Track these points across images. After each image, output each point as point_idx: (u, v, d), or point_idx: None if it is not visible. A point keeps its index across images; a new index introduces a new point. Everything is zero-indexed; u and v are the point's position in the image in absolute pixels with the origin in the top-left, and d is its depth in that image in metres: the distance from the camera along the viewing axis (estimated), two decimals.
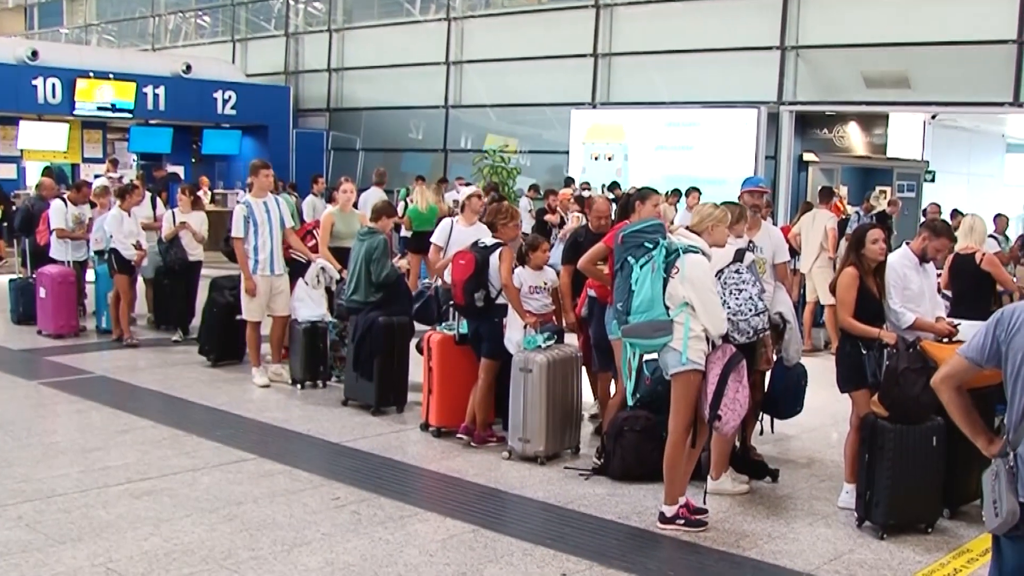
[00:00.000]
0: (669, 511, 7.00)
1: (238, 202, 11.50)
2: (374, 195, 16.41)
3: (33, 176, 23.04)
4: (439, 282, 10.57)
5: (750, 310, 7.13)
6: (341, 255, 11.07)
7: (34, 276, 14.88)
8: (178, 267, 13.32)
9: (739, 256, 7.45)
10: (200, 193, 20.01)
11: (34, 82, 24.35)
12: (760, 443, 8.54)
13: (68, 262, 13.88)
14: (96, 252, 13.73)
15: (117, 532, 6.64)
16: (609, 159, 23.09)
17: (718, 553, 6.66)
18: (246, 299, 10.99)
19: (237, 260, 11.00)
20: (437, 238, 10.61)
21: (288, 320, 11.15)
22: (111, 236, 12.97)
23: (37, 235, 14.47)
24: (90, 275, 14.42)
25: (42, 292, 13.80)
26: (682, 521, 6.95)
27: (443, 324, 9.47)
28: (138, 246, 13.06)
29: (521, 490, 7.82)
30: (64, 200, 14.13)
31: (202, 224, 13.50)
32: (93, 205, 14.36)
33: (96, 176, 23.35)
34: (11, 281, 15.15)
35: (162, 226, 13.51)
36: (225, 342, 12.00)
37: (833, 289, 7.43)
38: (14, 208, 16.82)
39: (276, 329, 11.32)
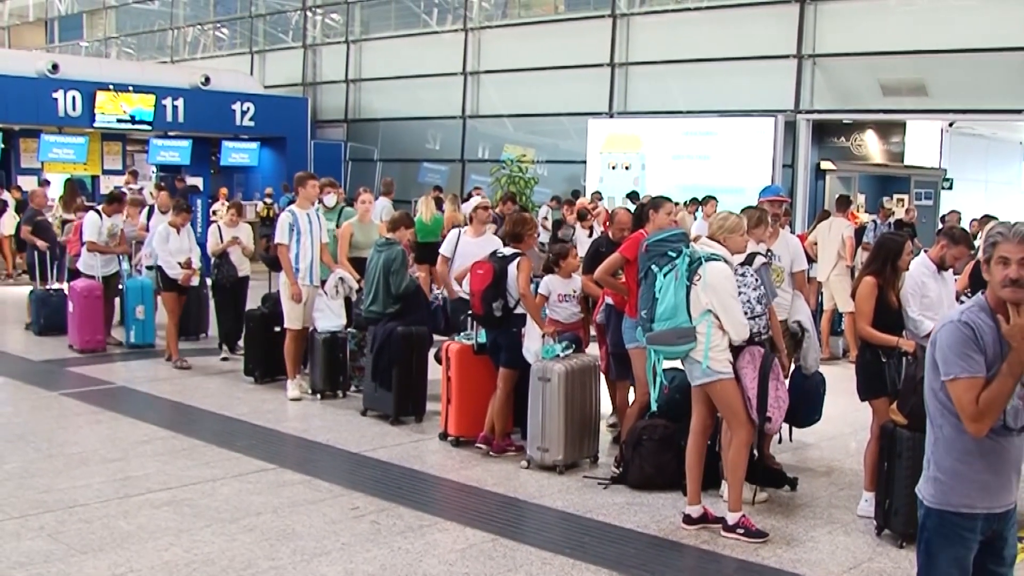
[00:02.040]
0: (732, 518, 7.00)
1: (283, 210, 11.53)
2: (381, 206, 16.46)
3: (55, 188, 23.15)
4: (446, 292, 10.66)
5: (746, 313, 7.11)
6: (359, 265, 11.08)
7: (52, 287, 15.01)
8: (228, 284, 12.91)
9: (748, 260, 7.45)
10: (217, 205, 20.13)
11: (55, 95, 24.49)
12: (779, 452, 8.52)
13: (97, 276, 13.56)
14: (147, 267, 13.38)
15: (138, 542, 6.66)
16: (626, 168, 23.07)
17: (737, 561, 6.63)
18: (288, 307, 10.96)
19: (281, 267, 11.02)
20: (444, 249, 10.72)
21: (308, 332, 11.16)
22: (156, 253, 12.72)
23: (68, 246, 14.43)
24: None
25: (70, 307, 13.65)
26: (742, 531, 6.95)
27: (461, 334, 9.48)
28: (188, 264, 12.59)
29: (540, 499, 7.81)
30: (98, 212, 13.84)
31: (249, 237, 13.22)
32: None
33: (116, 188, 23.51)
34: (31, 293, 15.22)
35: (207, 241, 13.17)
36: (268, 357, 11.67)
37: (853, 297, 7.41)
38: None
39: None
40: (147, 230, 14.02)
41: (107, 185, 25.22)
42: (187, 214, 13.08)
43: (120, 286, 14.03)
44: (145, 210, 14.85)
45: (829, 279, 14.08)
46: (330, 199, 12.36)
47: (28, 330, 14.96)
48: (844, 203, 14.94)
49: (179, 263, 12.56)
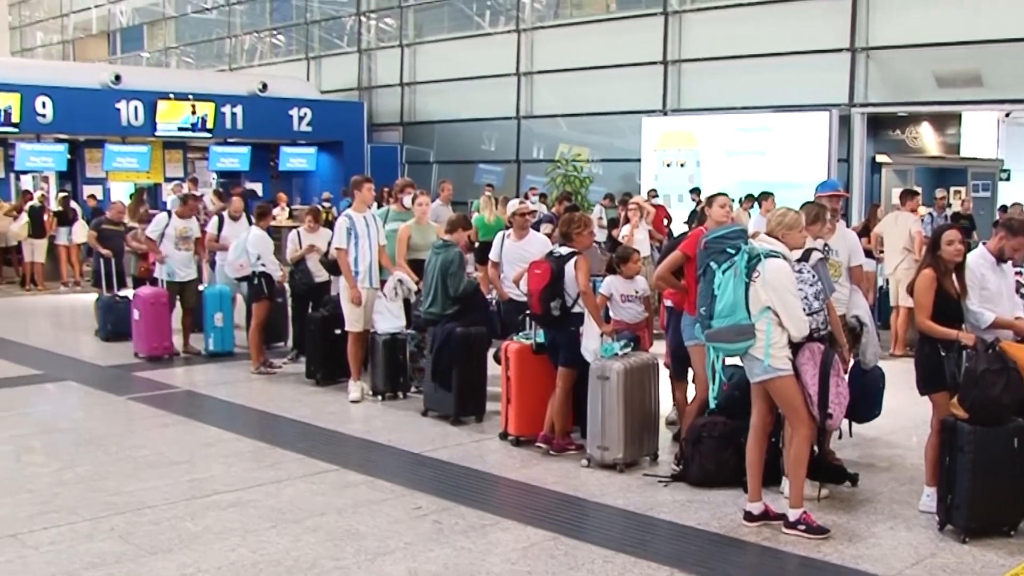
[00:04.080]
0: (793, 515, 6.95)
1: (341, 215, 11.56)
2: (436, 209, 16.49)
3: (118, 197, 23.43)
4: (497, 294, 10.69)
5: (803, 309, 7.04)
6: (417, 267, 11.11)
7: (119, 295, 15.16)
8: (303, 290, 12.77)
9: (805, 256, 7.38)
10: (276, 210, 20.26)
11: (117, 105, 24.80)
12: (839, 447, 8.43)
13: (162, 281, 13.52)
14: (239, 279, 12.82)
15: (205, 543, 6.72)
16: (681, 166, 22.95)
17: (799, 558, 6.58)
18: (349, 309, 10.99)
19: (341, 271, 11.07)
20: (493, 254, 10.79)
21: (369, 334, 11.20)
22: (258, 258, 12.36)
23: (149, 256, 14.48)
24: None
25: (136, 314, 13.56)
26: (804, 527, 6.90)
27: (520, 333, 9.48)
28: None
29: (601, 497, 7.79)
30: (169, 213, 13.85)
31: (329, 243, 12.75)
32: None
33: (183, 192, 23.78)
34: (97, 299, 15.40)
35: (287, 247, 13.04)
36: (329, 360, 11.70)
37: (911, 291, 7.33)
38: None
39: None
40: (217, 240, 13.88)
41: (168, 192, 25.50)
42: (268, 218, 13.06)
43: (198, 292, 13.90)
44: (215, 219, 14.60)
45: (896, 273, 13.86)
46: (408, 199, 12.34)
47: (98, 336, 15.14)
48: (909, 196, 14.60)
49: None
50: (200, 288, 14.00)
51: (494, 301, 11.01)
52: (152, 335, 13.37)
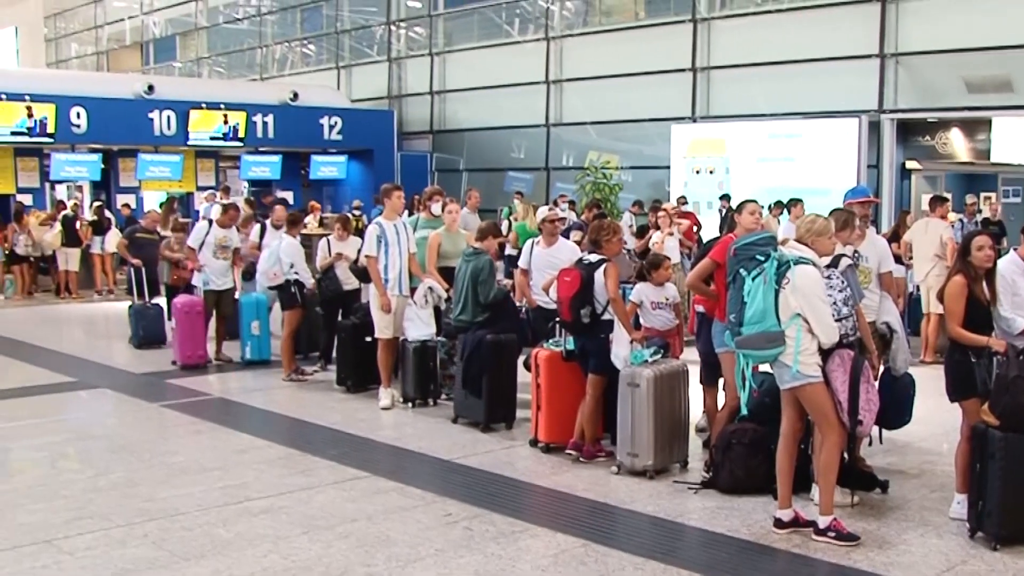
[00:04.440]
0: (824, 522, 6.92)
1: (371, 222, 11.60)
2: (464, 217, 16.49)
3: (151, 206, 23.60)
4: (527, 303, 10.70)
5: (832, 315, 7.00)
6: (447, 274, 11.13)
7: (151, 302, 15.26)
8: (331, 297, 12.71)
9: (834, 262, 7.36)
10: (309, 218, 20.32)
11: (150, 115, 24.93)
12: (869, 454, 8.39)
13: (198, 288, 13.58)
14: (272, 287, 12.92)
15: (237, 549, 6.76)
16: (711, 173, 22.90)
17: (829, 565, 6.55)
18: (379, 317, 11.03)
19: (371, 279, 11.11)
20: (522, 261, 10.80)
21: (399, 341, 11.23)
22: (291, 265, 12.46)
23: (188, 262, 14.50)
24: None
25: (173, 322, 13.65)
26: (834, 534, 6.87)
27: (550, 340, 9.49)
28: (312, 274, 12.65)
29: (631, 504, 7.79)
30: (210, 221, 13.89)
31: (358, 251, 12.56)
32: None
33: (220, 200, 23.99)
34: (130, 307, 15.49)
35: (316, 255, 13.07)
36: (359, 367, 11.77)
37: (941, 298, 7.29)
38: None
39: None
40: (260, 248, 13.87)
41: (200, 201, 25.64)
42: (300, 225, 13.09)
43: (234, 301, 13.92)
44: (257, 227, 14.71)
45: (927, 280, 13.76)
46: (437, 207, 12.36)
47: (130, 343, 15.24)
48: (939, 203, 14.46)
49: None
50: (236, 297, 14.02)
51: (524, 308, 11.02)
52: (187, 343, 13.40)
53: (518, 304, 11.22)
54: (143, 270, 15.57)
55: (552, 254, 10.42)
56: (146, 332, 15.02)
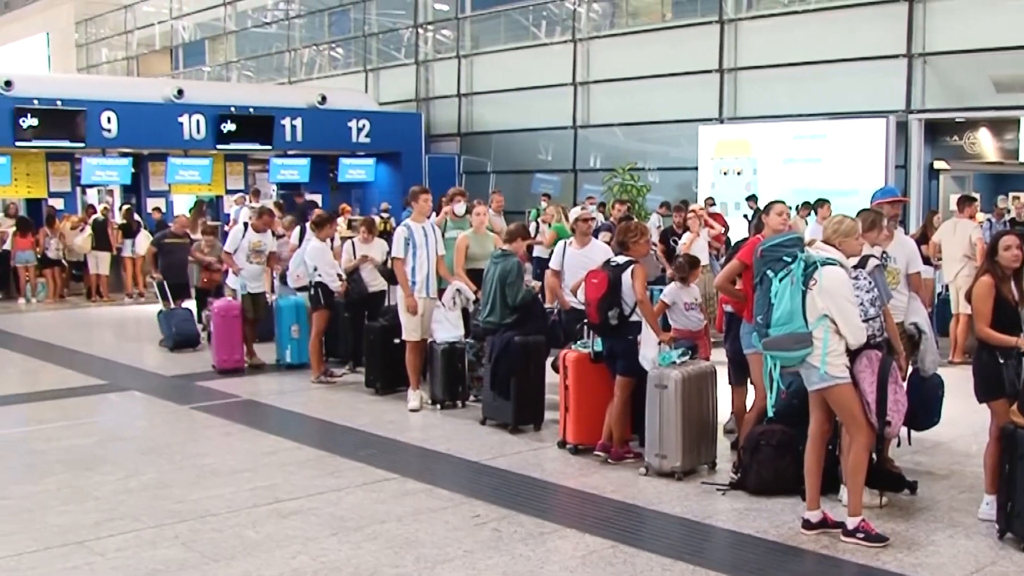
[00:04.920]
0: (852, 523, 6.89)
1: (399, 224, 11.62)
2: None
3: (180, 210, 23.73)
4: (559, 305, 10.68)
5: (859, 316, 6.98)
6: (475, 276, 11.15)
7: (183, 307, 15.31)
8: (357, 299, 12.70)
9: (862, 262, 7.33)
10: (340, 220, 20.36)
11: (180, 119, 25.03)
12: (898, 455, 8.35)
13: (235, 292, 13.52)
14: (297, 289, 13.26)
15: (266, 551, 6.79)
16: (738, 174, 22.83)
17: (857, 566, 6.53)
18: (406, 319, 11.06)
19: (397, 280, 11.13)
20: (553, 262, 10.78)
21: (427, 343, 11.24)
22: (315, 268, 12.54)
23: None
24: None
25: (212, 326, 13.57)
26: (862, 535, 6.84)
27: (578, 342, 9.48)
28: (339, 277, 12.62)
29: (659, 506, 7.78)
30: (245, 225, 13.90)
31: (384, 254, 12.76)
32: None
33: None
34: (159, 312, 15.52)
35: (342, 257, 13.04)
36: (388, 369, 11.82)
37: (969, 298, 7.25)
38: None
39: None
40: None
41: (230, 205, 25.73)
42: (332, 226, 13.10)
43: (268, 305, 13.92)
44: (297, 230, 14.76)
45: (957, 281, 13.66)
46: (460, 208, 12.35)
47: (162, 347, 15.30)
48: (967, 203, 14.36)
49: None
50: (270, 301, 14.04)
51: (556, 310, 11.01)
52: (225, 347, 13.36)
53: (549, 306, 11.22)
54: (165, 282, 15.61)
55: (586, 255, 10.40)
56: (179, 331, 15.02)
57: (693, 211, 15.74)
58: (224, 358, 13.35)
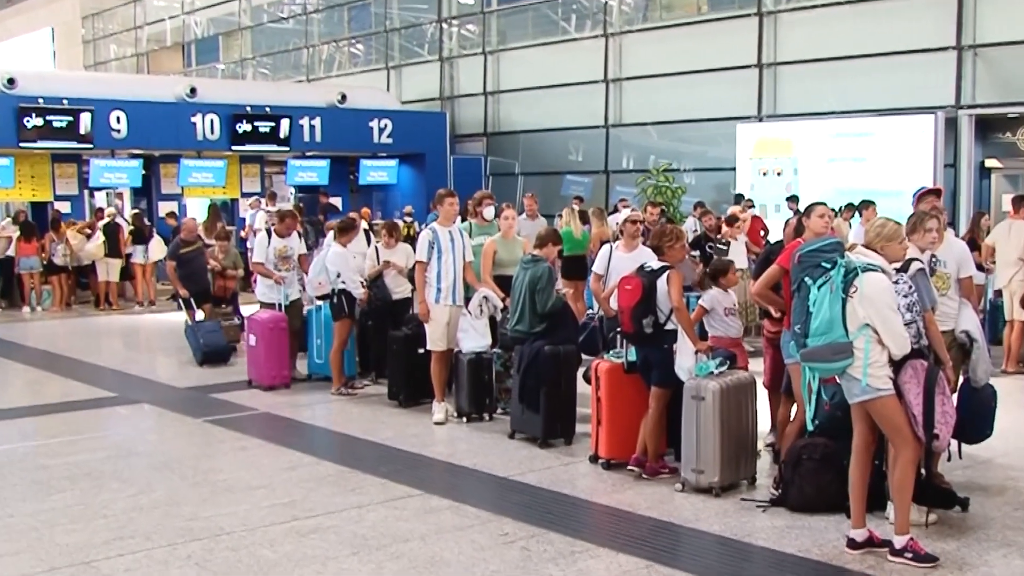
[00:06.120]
0: (899, 542, 6.86)
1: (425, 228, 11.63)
2: (521, 223, 16.47)
3: (193, 213, 23.79)
4: (602, 311, 10.65)
5: (902, 324, 6.95)
6: (503, 283, 11.15)
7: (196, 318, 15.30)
8: (380, 307, 12.61)
9: (904, 266, 7.29)
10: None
11: (193, 119, 25.16)
12: (948, 470, 8.30)
13: (278, 304, 13.21)
14: (319, 297, 13.03)
15: (284, 572, 6.81)
16: (778, 174, 22.78)
17: None
18: (431, 328, 11.09)
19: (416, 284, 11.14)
20: (597, 266, 10.74)
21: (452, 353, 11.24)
22: (338, 275, 12.45)
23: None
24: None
25: (252, 340, 13.11)
26: (911, 555, 6.81)
27: (611, 352, 9.47)
28: (362, 284, 12.53)
29: (696, 523, 7.76)
30: (268, 232, 13.68)
31: (409, 259, 12.52)
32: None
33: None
34: (186, 325, 15.38)
35: (365, 263, 12.95)
36: (412, 380, 11.76)
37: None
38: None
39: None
40: None
41: (245, 208, 25.80)
42: (352, 233, 13.03)
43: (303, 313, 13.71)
44: (330, 234, 14.35)
45: (1011, 286, 13.61)
46: (489, 212, 12.34)
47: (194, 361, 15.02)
48: (1021, 203, 14.15)
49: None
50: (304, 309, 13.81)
51: (597, 315, 10.99)
52: (270, 363, 12.94)
53: (590, 312, 11.18)
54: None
55: (634, 259, 10.04)
56: (207, 344, 14.72)
57: (732, 215, 15.71)
58: (273, 374, 12.93)
